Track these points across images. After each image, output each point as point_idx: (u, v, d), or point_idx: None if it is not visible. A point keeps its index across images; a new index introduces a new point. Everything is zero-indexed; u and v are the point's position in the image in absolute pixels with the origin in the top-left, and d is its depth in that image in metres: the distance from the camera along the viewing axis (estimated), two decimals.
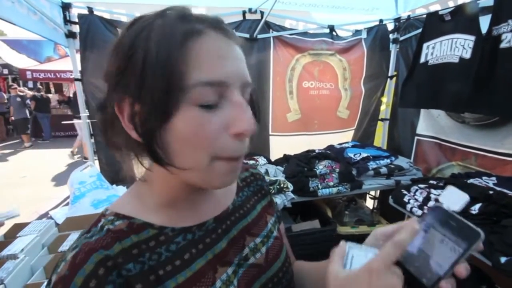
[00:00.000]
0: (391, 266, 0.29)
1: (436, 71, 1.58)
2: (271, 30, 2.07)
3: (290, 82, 2.21)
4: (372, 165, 1.88)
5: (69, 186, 1.66)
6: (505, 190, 1.31)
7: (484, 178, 1.52)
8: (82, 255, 0.30)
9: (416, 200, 1.47)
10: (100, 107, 0.35)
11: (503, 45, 1.24)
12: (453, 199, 0.33)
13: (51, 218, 1.50)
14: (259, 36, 2.04)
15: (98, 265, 0.30)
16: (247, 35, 2.00)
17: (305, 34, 2.14)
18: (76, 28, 1.73)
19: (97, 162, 1.91)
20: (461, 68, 1.42)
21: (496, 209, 1.18)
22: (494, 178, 1.49)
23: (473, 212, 1.20)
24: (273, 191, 1.64)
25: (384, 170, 1.87)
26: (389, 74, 2.37)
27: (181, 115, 0.30)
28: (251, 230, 0.44)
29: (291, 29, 2.13)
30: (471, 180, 1.50)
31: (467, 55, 1.39)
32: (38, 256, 1.09)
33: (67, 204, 1.60)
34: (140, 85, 0.29)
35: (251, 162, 1.95)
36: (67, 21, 1.72)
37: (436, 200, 1.37)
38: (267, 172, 1.85)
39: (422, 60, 1.69)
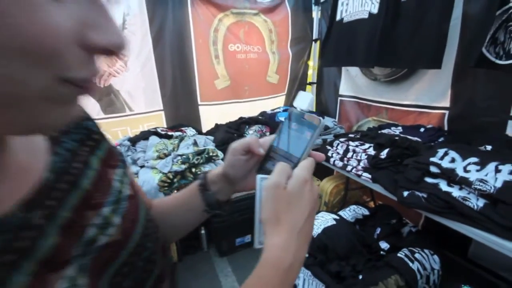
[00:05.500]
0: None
1: (350, 28, 1.63)
2: None
3: (214, 45, 2.05)
4: None
5: None
6: (408, 136, 1.48)
7: (392, 128, 1.69)
8: None
9: (338, 153, 1.56)
10: None
11: None
12: (302, 100, 0.41)
13: None
14: None
15: None
16: None
17: None
18: None
19: None
20: (370, 23, 1.48)
21: (400, 151, 1.32)
22: (400, 128, 1.68)
23: (382, 156, 1.32)
24: (201, 161, 1.54)
25: None
26: (314, 37, 2.40)
27: None
28: (92, 201, 0.28)
29: None
30: (382, 131, 1.66)
31: (375, 10, 1.45)
32: None
33: None
34: None
35: (177, 133, 1.80)
36: None
37: (354, 151, 1.45)
38: (196, 143, 1.72)
39: (338, 17, 1.72)
